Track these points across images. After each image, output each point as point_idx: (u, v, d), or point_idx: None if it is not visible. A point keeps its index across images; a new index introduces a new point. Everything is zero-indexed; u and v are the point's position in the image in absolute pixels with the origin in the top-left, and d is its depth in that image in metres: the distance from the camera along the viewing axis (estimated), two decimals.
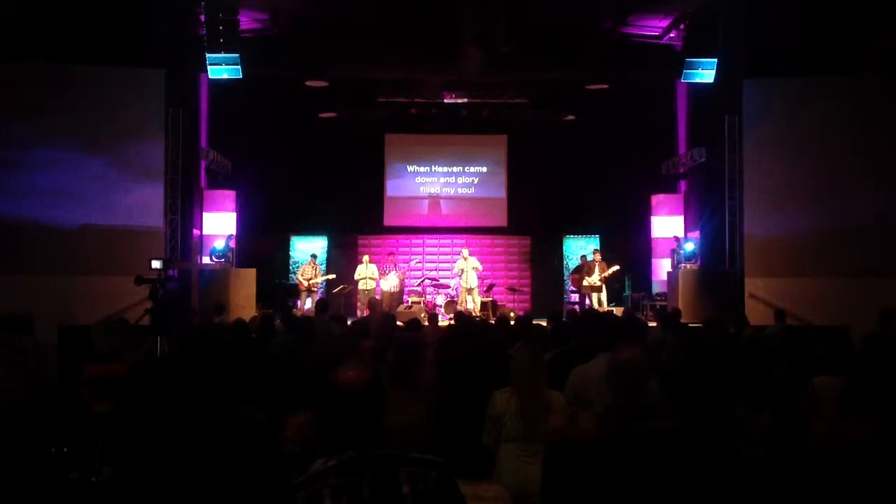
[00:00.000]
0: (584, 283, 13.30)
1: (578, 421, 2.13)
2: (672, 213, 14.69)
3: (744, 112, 12.10)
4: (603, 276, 13.09)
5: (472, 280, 13.38)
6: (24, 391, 4.95)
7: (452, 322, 9.08)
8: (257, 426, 3.36)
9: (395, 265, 13.76)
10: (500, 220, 15.80)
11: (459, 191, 15.94)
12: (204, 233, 13.33)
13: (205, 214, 13.43)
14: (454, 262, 14.10)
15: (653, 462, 2.64)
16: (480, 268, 13.68)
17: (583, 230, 15.70)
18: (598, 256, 13.39)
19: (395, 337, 4.74)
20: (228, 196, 13.81)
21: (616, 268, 13.30)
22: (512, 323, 7.82)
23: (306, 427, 3.45)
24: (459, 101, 14.70)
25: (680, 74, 11.96)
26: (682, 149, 14.43)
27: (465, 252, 13.67)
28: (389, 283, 13.37)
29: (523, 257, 15.83)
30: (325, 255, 15.17)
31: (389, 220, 15.73)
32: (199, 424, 3.66)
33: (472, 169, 15.93)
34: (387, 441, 2.09)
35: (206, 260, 12.91)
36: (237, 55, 11.12)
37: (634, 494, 2.51)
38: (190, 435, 3.69)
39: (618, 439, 2.47)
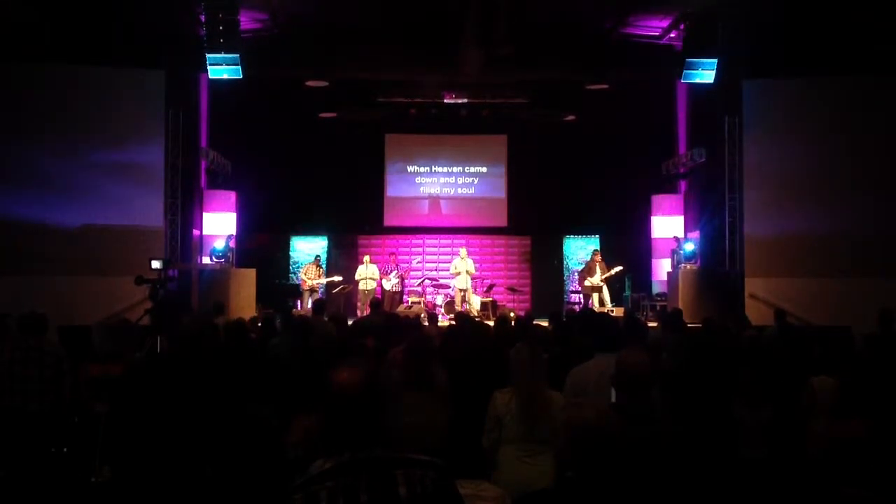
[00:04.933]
0: (587, 283, 13.32)
1: (599, 408, 2.15)
2: (672, 213, 14.69)
3: (744, 112, 12.11)
4: (604, 276, 13.10)
5: (468, 281, 13.39)
6: (40, 392, 4.94)
7: (452, 322, 9.08)
8: (261, 426, 3.36)
9: (397, 265, 13.78)
10: (500, 220, 15.80)
11: (459, 191, 15.94)
12: (204, 233, 13.33)
13: (205, 214, 13.43)
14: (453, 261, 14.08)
15: (654, 465, 2.64)
16: (475, 271, 13.68)
17: (583, 230, 15.70)
18: (598, 257, 13.40)
19: (405, 337, 4.74)
20: (228, 196, 13.81)
21: (619, 268, 13.30)
22: (512, 323, 7.81)
23: (312, 429, 3.44)
24: (459, 101, 14.69)
25: (680, 74, 11.95)
26: (682, 149, 14.43)
27: (463, 252, 13.67)
28: (391, 282, 13.40)
29: (523, 257, 15.83)
30: (325, 256, 15.17)
31: (389, 220, 15.73)
32: (195, 425, 3.66)
33: (472, 169, 15.93)
34: (403, 440, 2.09)
35: (206, 260, 12.91)
36: (237, 55, 11.11)
37: (638, 494, 2.51)
38: (186, 435, 3.69)
39: (622, 441, 2.48)
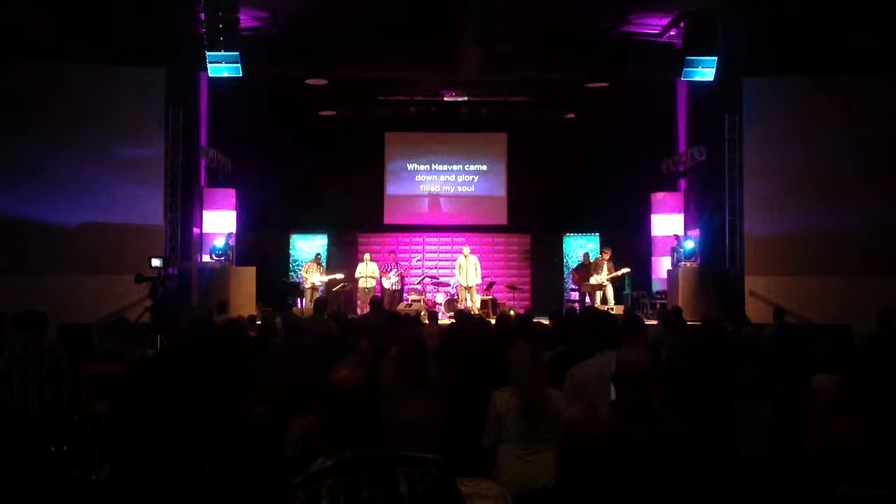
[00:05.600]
0: (592, 280, 13.31)
1: (595, 411, 2.15)
2: (672, 211, 14.68)
3: (744, 110, 12.09)
4: (611, 276, 13.10)
5: (472, 278, 13.40)
6: (39, 391, 4.93)
7: (452, 320, 9.08)
8: (260, 425, 3.37)
9: (397, 263, 13.79)
10: (500, 218, 15.80)
11: (459, 189, 15.94)
12: (204, 231, 13.33)
13: (205, 213, 13.42)
14: (454, 259, 14.11)
15: (655, 464, 2.64)
16: (479, 275, 13.63)
17: (583, 228, 15.71)
18: (607, 255, 13.35)
19: (399, 335, 4.74)
20: (228, 194, 13.80)
21: (626, 270, 13.28)
22: (512, 321, 7.81)
23: (309, 428, 3.45)
24: (459, 99, 14.69)
25: (680, 73, 11.94)
26: (682, 147, 14.43)
27: (466, 250, 13.68)
28: (391, 280, 13.42)
29: (523, 255, 15.84)
30: (325, 254, 15.17)
31: (389, 218, 15.73)
32: (194, 424, 3.66)
33: (472, 167, 15.94)
34: (397, 439, 2.10)
35: (206, 258, 12.91)
36: (237, 53, 11.11)
37: (639, 493, 2.52)
38: (185, 434, 3.69)
39: (622, 440, 2.49)
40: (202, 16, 11.18)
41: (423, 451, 2.09)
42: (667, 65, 12.53)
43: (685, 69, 11.77)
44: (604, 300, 13.05)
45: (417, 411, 3.82)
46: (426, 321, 8.36)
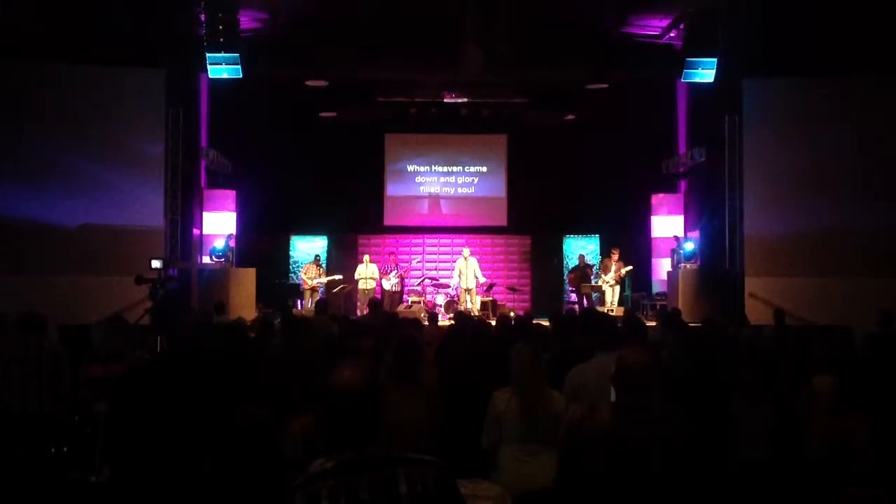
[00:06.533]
0: (598, 281, 13.31)
1: (596, 414, 2.16)
2: (672, 212, 14.69)
3: (744, 111, 12.10)
4: (617, 275, 13.10)
5: (472, 280, 13.40)
6: (39, 392, 4.93)
7: (452, 322, 9.08)
8: (258, 426, 3.37)
9: (396, 265, 13.79)
10: (500, 219, 15.79)
11: (459, 190, 15.94)
12: (204, 232, 13.33)
13: (205, 214, 13.43)
14: (454, 261, 14.11)
15: (655, 465, 2.64)
16: (480, 275, 13.61)
17: (583, 230, 15.72)
18: (616, 256, 13.34)
19: (394, 336, 4.74)
20: (228, 196, 13.81)
21: (629, 268, 13.30)
22: (512, 322, 7.81)
23: (309, 428, 3.46)
24: (459, 100, 14.70)
25: (680, 74, 11.97)
26: (682, 148, 14.43)
27: (466, 252, 13.68)
28: (391, 282, 13.42)
29: (523, 257, 15.84)
30: (325, 255, 15.17)
31: (389, 219, 15.73)
32: (193, 424, 3.66)
33: (472, 168, 15.94)
34: (388, 440, 2.10)
35: (205, 259, 12.91)
36: (237, 55, 11.14)
37: (639, 494, 2.52)
38: (185, 435, 3.69)
39: (622, 441, 2.48)
40: (202, 17, 11.20)
41: (414, 452, 2.09)
42: (667, 66, 12.55)
43: (685, 70, 11.79)
44: (611, 301, 13.07)
45: (408, 412, 3.80)
46: (426, 322, 8.36)
